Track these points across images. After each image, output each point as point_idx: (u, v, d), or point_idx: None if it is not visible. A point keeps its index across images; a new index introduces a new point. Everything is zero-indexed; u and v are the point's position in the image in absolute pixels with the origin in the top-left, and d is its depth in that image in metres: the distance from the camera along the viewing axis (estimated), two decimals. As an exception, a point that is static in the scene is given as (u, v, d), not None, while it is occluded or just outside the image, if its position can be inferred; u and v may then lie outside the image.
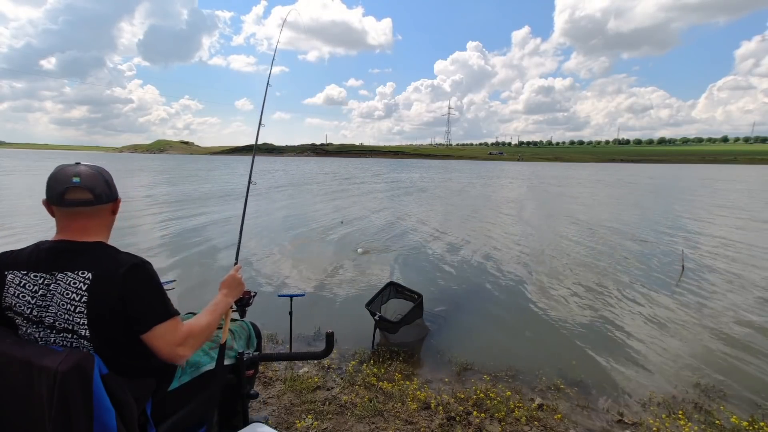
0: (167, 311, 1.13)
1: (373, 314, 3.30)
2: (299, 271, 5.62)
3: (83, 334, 1.07)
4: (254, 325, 1.81)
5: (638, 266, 6.02)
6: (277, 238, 7.86)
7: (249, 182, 2.07)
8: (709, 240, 8.14)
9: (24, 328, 1.11)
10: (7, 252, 1.15)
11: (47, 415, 0.94)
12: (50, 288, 1.08)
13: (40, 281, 1.09)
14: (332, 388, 2.61)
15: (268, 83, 2.38)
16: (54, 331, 1.08)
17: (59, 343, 1.09)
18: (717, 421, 2.35)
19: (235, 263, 1.61)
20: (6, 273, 1.11)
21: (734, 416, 2.37)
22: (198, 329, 1.20)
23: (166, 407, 1.28)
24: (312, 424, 2.20)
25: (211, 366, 1.44)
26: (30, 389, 0.97)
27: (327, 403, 2.40)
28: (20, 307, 1.09)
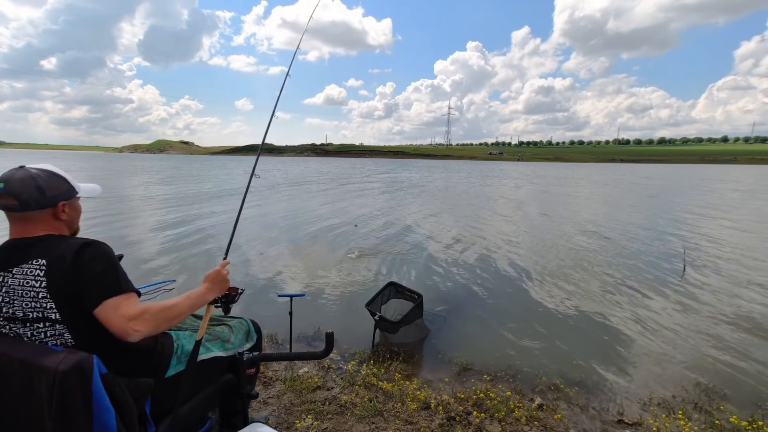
0: (119, 286, 1.11)
1: (373, 314, 3.30)
2: (298, 270, 5.62)
3: (55, 318, 1.09)
4: (254, 322, 1.81)
5: (638, 266, 6.01)
6: (275, 236, 7.85)
7: (252, 175, 2.01)
8: (710, 240, 8.14)
9: (3, 328, 1.13)
10: None
11: (47, 415, 0.94)
12: (8, 283, 1.10)
13: (0, 280, 1.11)
14: (332, 388, 2.61)
15: (288, 73, 2.38)
16: (28, 324, 1.10)
17: (37, 336, 1.10)
18: (717, 421, 2.35)
19: (224, 258, 1.55)
20: None
21: (734, 416, 2.37)
22: (157, 307, 1.14)
23: (163, 397, 1.29)
24: (312, 424, 2.20)
25: (206, 356, 1.46)
26: (30, 389, 0.97)
27: (327, 403, 2.40)
28: None
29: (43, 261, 1.09)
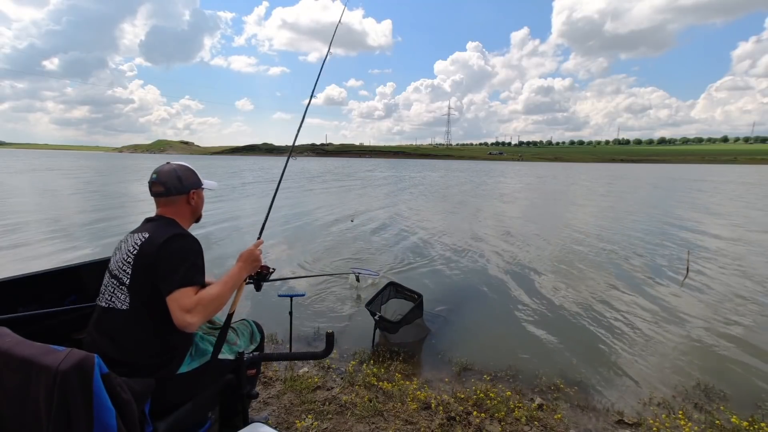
0: (186, 279, 1.27)
1: (373, 314, 3.30)
2: (298, 269, 5.61)
3: (126, 282, 1.29)
4: (257, 324, 1.82)
5: (638, 266, 6.02)
6: (274, 235, 7.86)
7: (289, 156, 2.26)
8: (714, 241, 8.15)
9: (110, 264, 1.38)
10: None
11: (45, 416, 0.94)
12: (126, 242, 1.37)
13: (126, 237, 1.40)
14: (332, 388, 2.61)
15: (328, 52, 2.55)
16: (113, 276, 1.33)
17: (111, 287, 1.32)
18: (717, 421, 2.35)
19: (258, 237, 1.65)
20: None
21: (734, 416, 2.37)
22: (208, 298, 1.27)
23: (170, 394, 1.31)
24: (312, 424, 2.20)
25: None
26: (26, 389, 0.97)
27: (327, 403, 2.40)
28: (113, 256, 1.40)
29: (146, 235, 1.33)
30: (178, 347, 1.35)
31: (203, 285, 1.34)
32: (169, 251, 1.28)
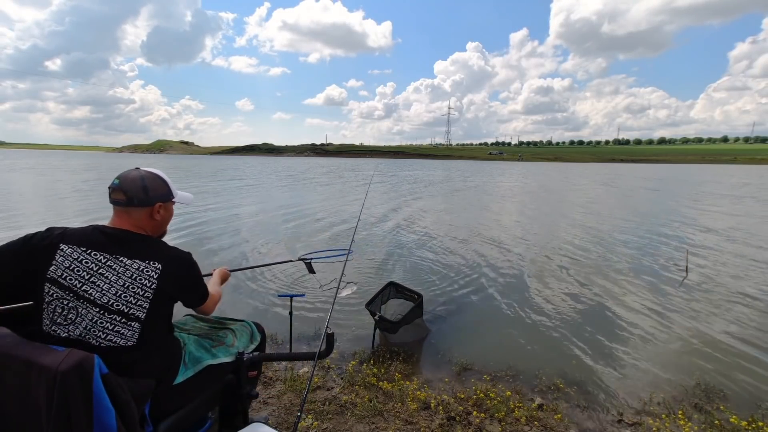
0: (207, 291, 1.43)
1: (373, 314, 3.30)
2: (298, 268, 5.61)
3: (138, 316, 1.16)
4: (257, 324, 1.82)
5: (638, 267, 6.02)
6: (273, 234, 7.87)
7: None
8: (714, 240, 8.15)
9: (61, 302, 1.13)
10: (58, 227, 1.24)
11: (45, 416, 0.94)
12: (112, 268, 1.16)
13: (102, 260, 1.17)
14: (332, 388, 2.61)
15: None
16: (103, 311, 1.14)
17: (101, 323, 1.14)
18: (717, 421, 2.36)
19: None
20: (61, 246, 1.17)
21: (734, 416, 2.37)
22: (217, 297, 1.56)
23: (168, 403, 1.30)
24: (312, 424, 2.20)
25: (211, 361, 1.47)
26: (27, 391, 0.97)
27: (327, 403, 2.40)
28: (71, 280, 1.14)
29: (159, 266, 1.20)
30: (166, 369, 1.32)
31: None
32: (195, 272, 1.33)
